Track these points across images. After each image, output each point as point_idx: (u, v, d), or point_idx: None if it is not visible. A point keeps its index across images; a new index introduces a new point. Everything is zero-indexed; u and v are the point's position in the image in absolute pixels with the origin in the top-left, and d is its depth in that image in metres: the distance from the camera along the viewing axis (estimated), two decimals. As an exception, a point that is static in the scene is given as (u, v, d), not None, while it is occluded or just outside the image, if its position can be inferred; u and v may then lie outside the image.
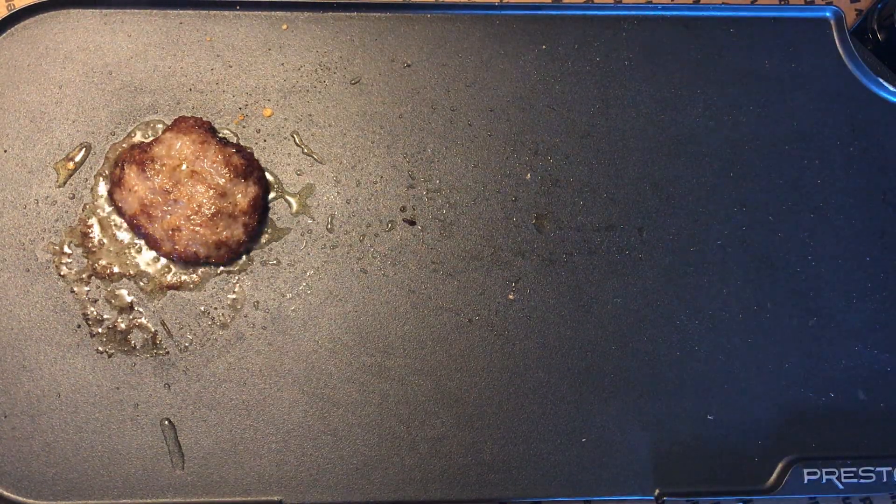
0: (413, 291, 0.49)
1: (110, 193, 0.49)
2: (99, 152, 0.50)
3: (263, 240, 0.49)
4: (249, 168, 0.48)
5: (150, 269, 0.49)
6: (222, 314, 0.48)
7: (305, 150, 0.50)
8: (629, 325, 0.49)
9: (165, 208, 0.47)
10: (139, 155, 0.48)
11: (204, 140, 0.48)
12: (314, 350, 0.48)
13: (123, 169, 0.48)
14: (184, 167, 0.47)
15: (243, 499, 0.47)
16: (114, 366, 0.48)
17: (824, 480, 0.48)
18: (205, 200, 0.47)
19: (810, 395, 0.49)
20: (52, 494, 0.46)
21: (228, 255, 0.48)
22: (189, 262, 0.48)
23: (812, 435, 0.49)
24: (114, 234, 0.49)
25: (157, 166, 0.47)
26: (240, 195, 0.48)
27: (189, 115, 0.50)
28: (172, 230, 0.47)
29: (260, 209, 0.49)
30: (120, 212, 0.48)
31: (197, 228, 0.47)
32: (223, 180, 0.47)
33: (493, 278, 0.49)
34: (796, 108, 0.52)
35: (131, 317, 0.48)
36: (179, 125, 0.48)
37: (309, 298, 0.49)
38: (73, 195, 0.49)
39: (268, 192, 0.50)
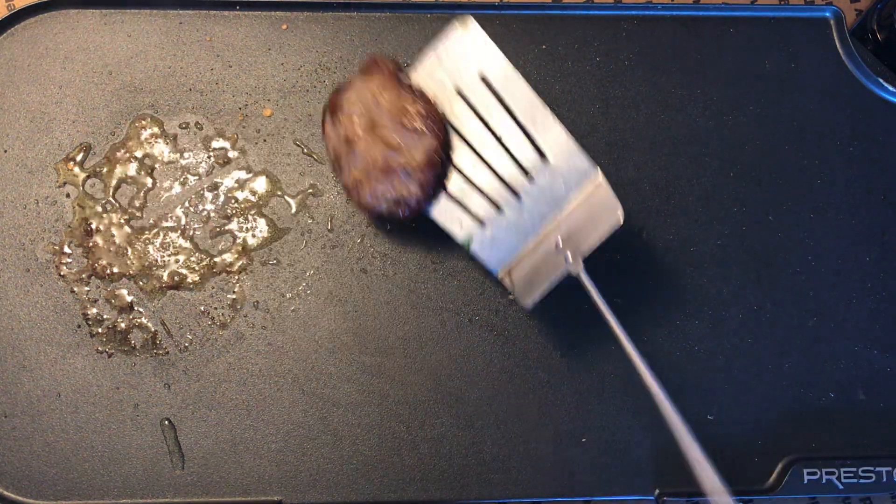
0: (413, 291, 0.49)
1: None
2: (99, 152, 0.50)
3: (263, 240, 0.49)
4: (428, 120, 0.45)
5: (151, 269, 0.49)
6: (222, 314, 0.48)
7: (305, 150, 0.50)
8: (629, 325, 0.49)
9: (349, 159, 0.46)
10: (332, 100, 0.46)
11: (386, 86, 0.45)
12: (314, 350, 0.48)
13: (325, 114, 0.47)
14: (361, 119, 0.46)
15: (243, 499, 0.47)
16: (114, 366, 0.48)
17: (824, 480, 0.48)
18: (380, 156, 0.45)
19: (810, 395, 0.49)
20: (52, 494, 0.47)
21: (410, 211, 0.46)
22: (378, 215, 0.47)
23: (812, 435, 0.49)
24: (113, 234, 0.49)
25: (340, 116, 0.46)
26: (415, 150, 0.45)
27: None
28: (356, 182, 0.46)
29: (437, 166, 0.45)
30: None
31: (375, 184, 0.45)
32: (398, 135, 0.45)
33: (493, 278, 0.49)
34: (796, 108, 0.52)
35: (131, 317, 0.48)
36: (368, 70, 0.46)
37: (309, 298, 0.49)
38: (73, 195, 0.49)
39: (448, 145, 0.46)
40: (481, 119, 0.43)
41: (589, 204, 0.42)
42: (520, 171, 0.43)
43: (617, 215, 0.42)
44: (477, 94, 0.42)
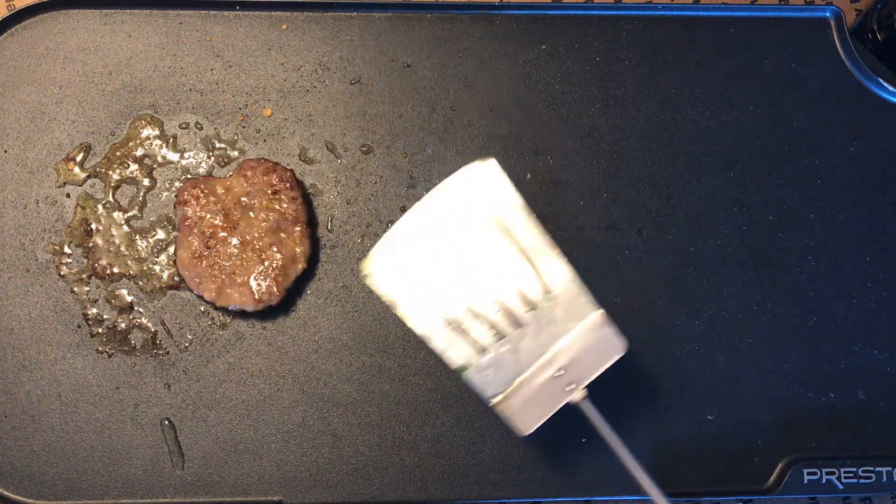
0: (413, 291, 0.49)
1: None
2: (99, 152, 0.50)
3: (263, 240, 0.49)
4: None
5: (151, 269, 0.49)
6: (222, 314, 0.48)
7: (305, 150, 0.50)
8: (629, 325, 0.49)
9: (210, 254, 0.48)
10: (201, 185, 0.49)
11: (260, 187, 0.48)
12: (314, 350, 0.48)
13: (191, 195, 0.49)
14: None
15: (243, 499, 0.47)
16: (114, 366, 0.48)
17: (824, 480, 0.48)
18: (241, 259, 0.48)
19: (810, 395, 0.49)
20: (52, 494, 0.47)
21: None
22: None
23: (812, 435, 0.49)
24: (113, 234, 0.49)
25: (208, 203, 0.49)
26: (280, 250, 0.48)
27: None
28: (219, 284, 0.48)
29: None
30: None
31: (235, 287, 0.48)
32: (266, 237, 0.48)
33: (493, 278, 0.49)
34: (796, 108, 0.52)
35: (131, 317, 0.48)
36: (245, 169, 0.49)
37: (309, 298, 0.49)
38: (73, 195, 0.49)
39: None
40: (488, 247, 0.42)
41: (590, 337, 0.42)
42: (522, 301, 0.42)
43: (620, 347, 0.42)
44: (488, 227, 0.42)
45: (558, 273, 0.42)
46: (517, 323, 0.42)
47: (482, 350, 0.42)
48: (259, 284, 0.47)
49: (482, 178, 0.42)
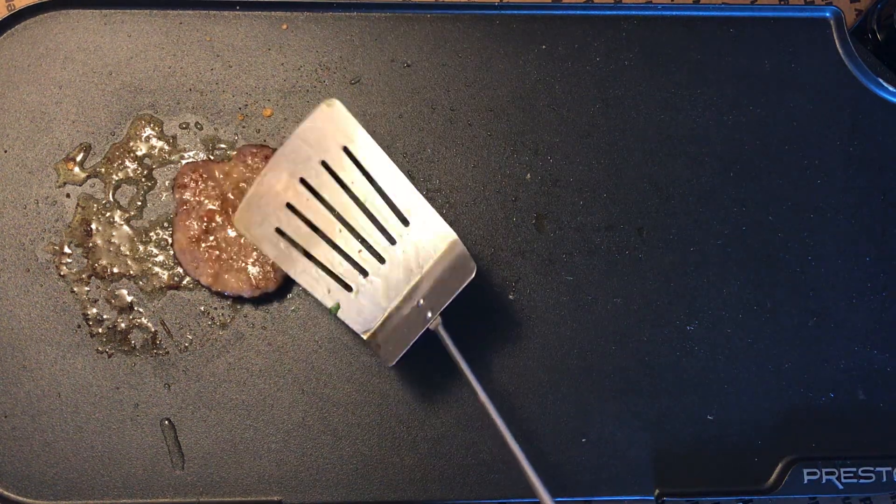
0: (413, 291, 0.49)
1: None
2: (99, 152, 0.50)
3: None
4: None
5: (150, 269, 0.49)
6: (222, 314, 0.48)
7: (305, 150, 0.50)
8: (629, 325, 0.49)
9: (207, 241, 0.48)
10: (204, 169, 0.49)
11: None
12: (314, 350, 0.48)
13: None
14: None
15: (243, 499, 0.47)
16: (114, 366, 0.48)
17: (824, 480, 0.48)
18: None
19: (810, 395, 0.49)
20: (52, 494, 0.47)
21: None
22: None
23: (812, 435, 0.49)
24: (113, 234, 0.49)
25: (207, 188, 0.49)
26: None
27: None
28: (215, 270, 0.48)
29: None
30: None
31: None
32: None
33: (493, 278, 0.49)
34: (796, 108, 0.52)
35: (131, 317, 0.48)
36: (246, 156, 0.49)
37: (309, 298, 0.49)
38: (73, 195, 0.49)
39: None
40: (346, 189, 0.44)
41: (447, 263, 0.44)
42: (383, 236, 0.45)
43: (471, 270, 0.44)
44: (342, 166, 0.44)
45: (415, 205, 0.44)
46: (380, 258, 0.45)
47: (349, 289, 0.44)
48: (257, 270, 0.47)
49: (331, 122, 0.43)
